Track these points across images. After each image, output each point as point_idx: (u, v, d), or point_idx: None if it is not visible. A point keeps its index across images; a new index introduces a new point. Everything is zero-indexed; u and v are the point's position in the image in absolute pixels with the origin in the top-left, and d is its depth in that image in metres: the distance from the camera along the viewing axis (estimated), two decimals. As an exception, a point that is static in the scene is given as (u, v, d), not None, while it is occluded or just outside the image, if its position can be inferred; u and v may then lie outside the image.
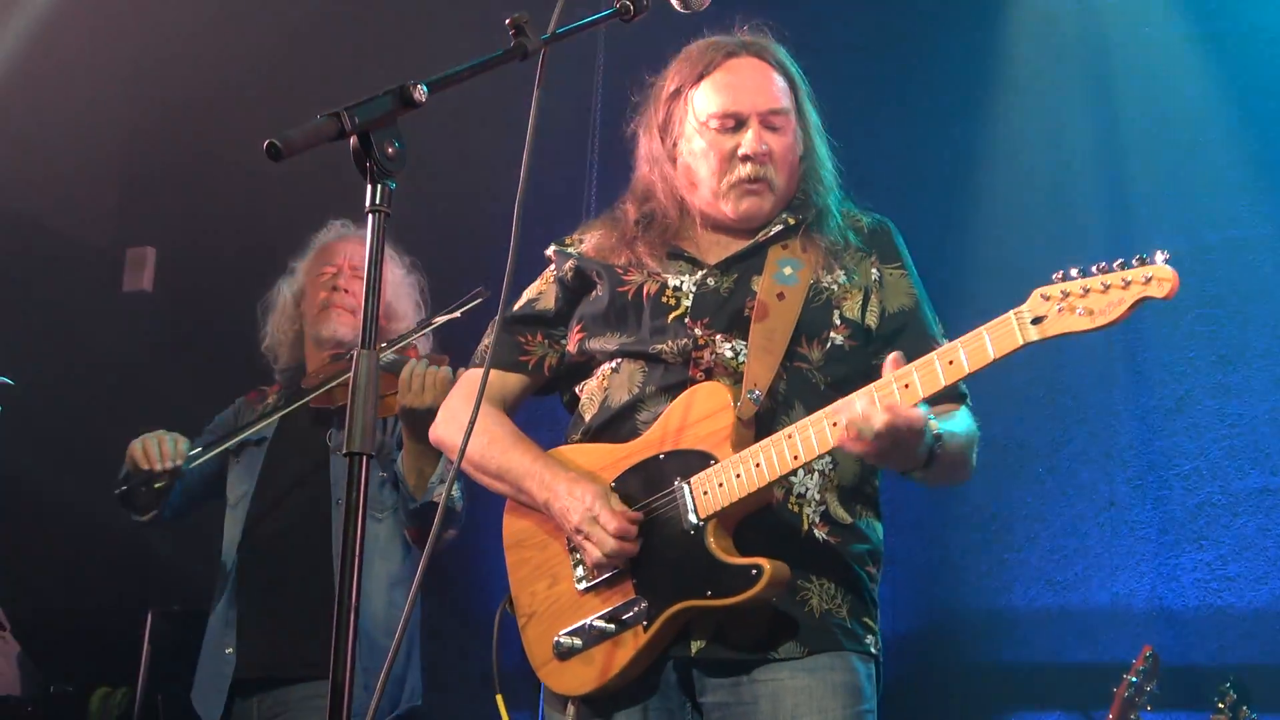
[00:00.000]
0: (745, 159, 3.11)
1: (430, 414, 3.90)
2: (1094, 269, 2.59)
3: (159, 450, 4.26)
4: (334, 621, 2.08)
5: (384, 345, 4.33)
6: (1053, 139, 5.76)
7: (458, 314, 4.30)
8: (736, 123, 3.12)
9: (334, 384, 4.29)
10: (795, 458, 2.82)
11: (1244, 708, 4.56)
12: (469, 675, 5.78)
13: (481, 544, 6.05)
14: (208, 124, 6.57)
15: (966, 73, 5.94)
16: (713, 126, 3.13)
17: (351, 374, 2.17)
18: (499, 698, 3.10)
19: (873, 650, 3.01)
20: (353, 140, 2.17)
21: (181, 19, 6.49)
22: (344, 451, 2.14)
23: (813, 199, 3.17)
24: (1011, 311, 2.64)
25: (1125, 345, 5.42)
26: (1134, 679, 4.65)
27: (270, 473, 4.41)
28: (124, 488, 4.32)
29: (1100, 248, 5.53)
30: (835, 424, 2.77)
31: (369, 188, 2.20)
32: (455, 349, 4.40)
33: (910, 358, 2.89)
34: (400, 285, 4.58)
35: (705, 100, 3.15)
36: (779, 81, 3.17)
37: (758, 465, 2.84)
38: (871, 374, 2.98)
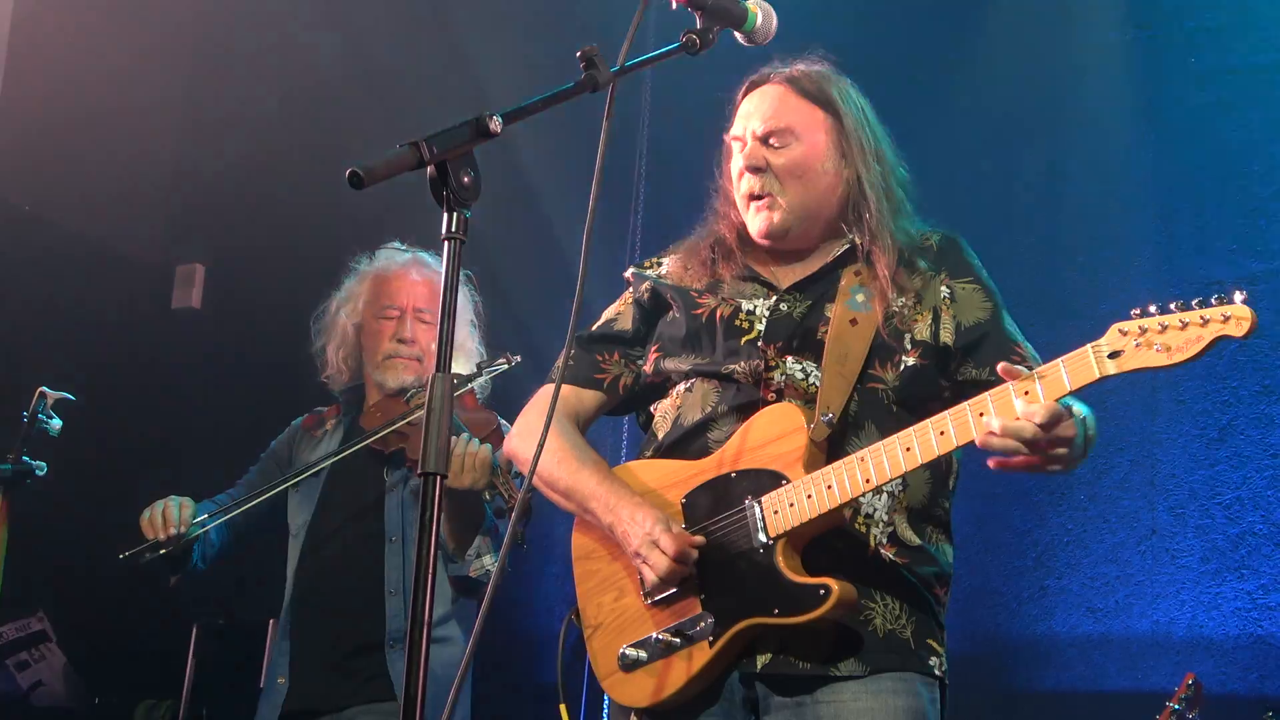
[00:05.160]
0: (741, 174, 3.22)
1: (469, 494, 4.00)
2: (1172, 306, 2.62)
3: (162, 518, 4.22)
4: (407, 640, 2.14)
5: None
6: (1098, 170, 5.79)
7: (484, 378, 4.34)
8: (744, 146, 3.23)
9: (391, 430, 4.27)
10: (867, 480, 2.85)
11: (1287, 737, 4.56)
12: (510, 692, 5.82)
13: (524, 566, 6.12)
14: (257, 142, 6.65)
15: (1010, 102, 5.97)
16: (733, 152, 3.26)
17: (426, 396, 2.21)
18: (562, 707, 3.14)
19: (937, 672, 3.02)
20: (430, 170, 2.22)
21: (232, 39, 6.56)
22: (419, 472, 2.18)
23: (873, 217, 3.20)
24: (1089, 345, 2.68)
25: (1169, 374, 5.40)
26: (1176, 706, 4.65)
27: (327, 506, 4.40)
28: (128, 554, 4.25)
29: (1145, 279, 5.56)
30: (943, 432, 2.79)
31: (445, 215, 2.25)
32: (494, 404, 4.47)
33: (995, 370, 2.96)
34: (460, 314, 4.51)
35: (733, 128, 3.29)
36: (794, 102, 3.24)
37: (829, 487, 2.87)
38: (951, 392, 3.08)
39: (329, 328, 4.66)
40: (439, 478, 2.18)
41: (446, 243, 2.25)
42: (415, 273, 4.57)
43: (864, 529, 3.00)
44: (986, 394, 2.78)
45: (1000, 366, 2.77)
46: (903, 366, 3.08)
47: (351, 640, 4.18)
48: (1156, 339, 2.61)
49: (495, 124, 2.28)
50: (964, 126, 5.91)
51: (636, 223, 6.42)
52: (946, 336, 3.13)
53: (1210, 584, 5.30)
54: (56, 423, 4.40)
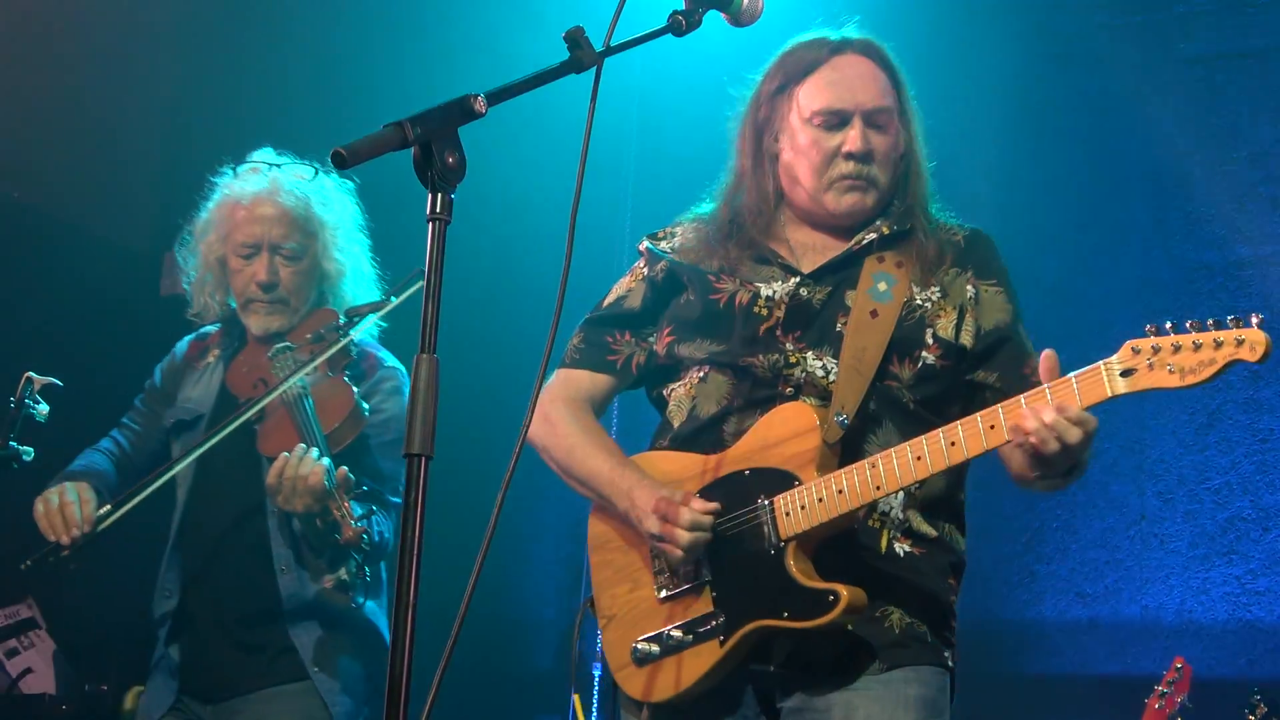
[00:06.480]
0: (848, 156, 3.08)
1: (305, 517, 3.76)
2: (1187, 325, 2.58)
3: (63, 519, 3.86)
4: (392, 620, 2.14)
5: (309, 338, 3.98)
6: (1086, 155, 5.79)
7: (397, 302, 4.01)
8: (841, 120, 3.10)
9: (256, 407, 3.96)
10: (878, 487, 2.82)
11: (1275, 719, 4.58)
12: (497, 679, 5.82)
13: (512, 553, 6.12)
14: (246, 131, 6.63)
15: (999, 87, 5.97)
16: (816, 123, 3.11)
17: (412, 378, 2.19)
18: (575, 696, 3.12)
19: (949, 664, 3.01)
20: (414, 150, 2.21)
21: (222, 26, 6.54)
22: (404, 453, 2.17)
23: (910, 204, 3.15)
24: (1101, 362, 2.65)
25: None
26: (1165, 690, 4.66)
27: (206, 463, 4.03)
28: (30, 562, 3.92)
29: (1134, 264, 5.57)
30: (954, 442, 2.76)
31: (430, 196, 2.24)
32: (396, 331, 4.22)
33: (1004, 377, 2.98)
34: (335, 234, 4.16)
35: (810, 96, 3.13)
36: (884, 79, 3.15)
37: (840, 491, 2.84)
38: (962, 391, 3.06)
39: (190, 260, 4.25)
40: (424, 460, 2.17)
41: (431, 224, 2.24)
42: (272, 202, 4.09)
43: (878, 525, 2.98)
44: (998, 406, 2.75)
45: (1042, 366, 2.72)
46: (921, 364, 3.03)
47: (249, 610, 3.95)
48: (1169, 359, 2.58)
49: (480, 104, 2.27)
50: (952, 114, 5.90)
51: (628, 206, 6.41)
52: (966, 339, 3.07)
53: (1199, 569, 5.32)
54: (44, 408, 4.36)
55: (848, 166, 3.09)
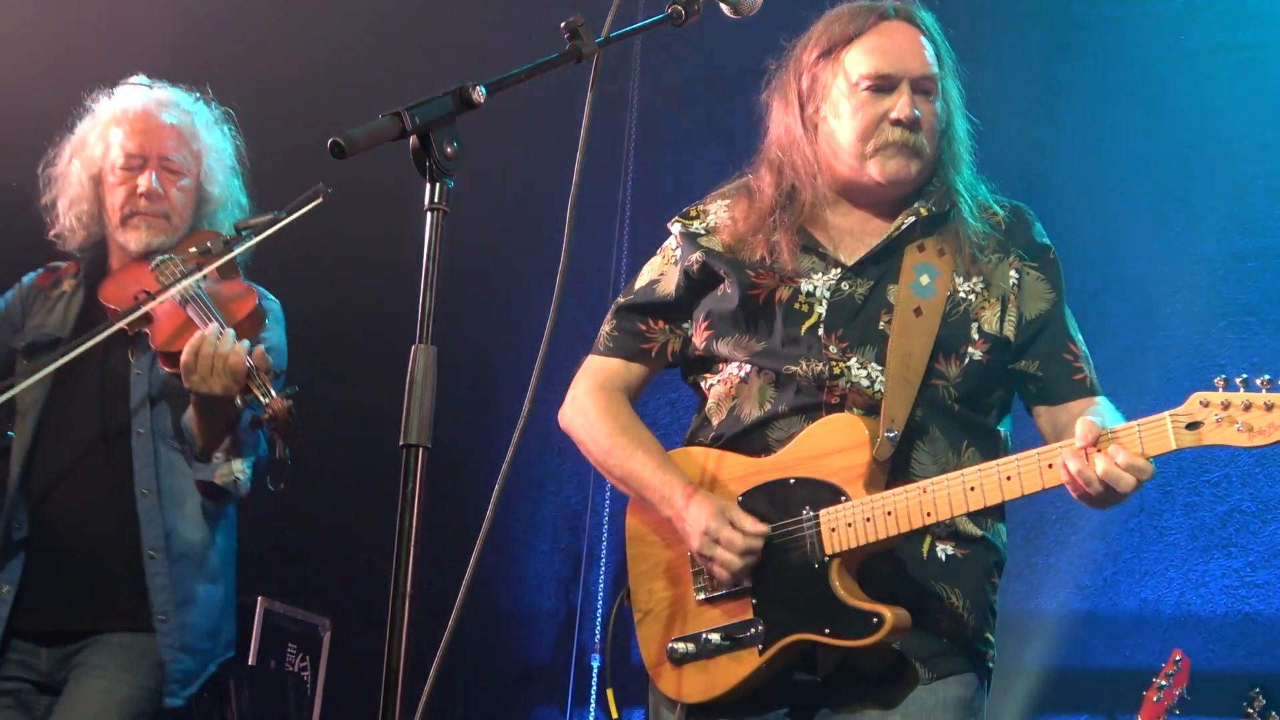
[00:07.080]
0: (896, 123, 2.98)
1: (221, 399, 3.57)
2: (1258, 382, 2.55)
3: None
4: (389, 612, 2.13)
5: (193, 250, 3.83)
6: (1086, 147, 5.78)
7: (290, 219, 3.85)
8: (889, 85, 3.00)
9: (145, 310, 3.74)
10: (928, 514, 2.77)
11: (1273, 712, 4.58)
12: (493, 671, 5.81)
13: (511, 542, 6.12)
14: (239, 121, 6.59)
15: (999, 78, 5.95)
16: (864, 88, 3.00)
17: (409, 368, 2.18)
18: (609, 692, 3.09)
19: (990, 665, 2.98)
20: (413, 140, 2.20)
21: (217, 22, 6.51)
22: (401, 443, 2.16)
23: (949, 183, 3.06)
24: (1168, 413, 2.61)
25: (1158, 351, 5.44)
26: (1163, 683, 4.67)
27: (63, 385, 3.84)
28: None
29: (1134, 256, 5.56)
30: (1009, 477, 2.73)
31: (428, 186, 2.23)
32: (289, 250, 4.09)
33: (1044, 363, 2.96)
34: (217, 159, 4.05)
35: (857, 62, 3.02)
36: (929, 48, 3.06)
37: (889, 514, 2.79)
38: (1003, 381, 3.02)
39: (60, 178, 4.06)
40: (421, 450, 2.17)
41: (429, 213, 2.23)
42: (161, 114, 4.01)
43: (922, 529, 2.90)
44: (1058, 444, 2.72)
45: (1080, 434, 2.67)
46: (967, 360, 2.96)
47: (102, 542, 3.75)
48: (1239, 416, 2.55)
49: (478, 94, 2.26)
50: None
51: (626, 198, 6.40)
52: (1009, 330, 3.00)
53: (1198, 561, 5.32)
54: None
55: (895, 133, 2.99)
